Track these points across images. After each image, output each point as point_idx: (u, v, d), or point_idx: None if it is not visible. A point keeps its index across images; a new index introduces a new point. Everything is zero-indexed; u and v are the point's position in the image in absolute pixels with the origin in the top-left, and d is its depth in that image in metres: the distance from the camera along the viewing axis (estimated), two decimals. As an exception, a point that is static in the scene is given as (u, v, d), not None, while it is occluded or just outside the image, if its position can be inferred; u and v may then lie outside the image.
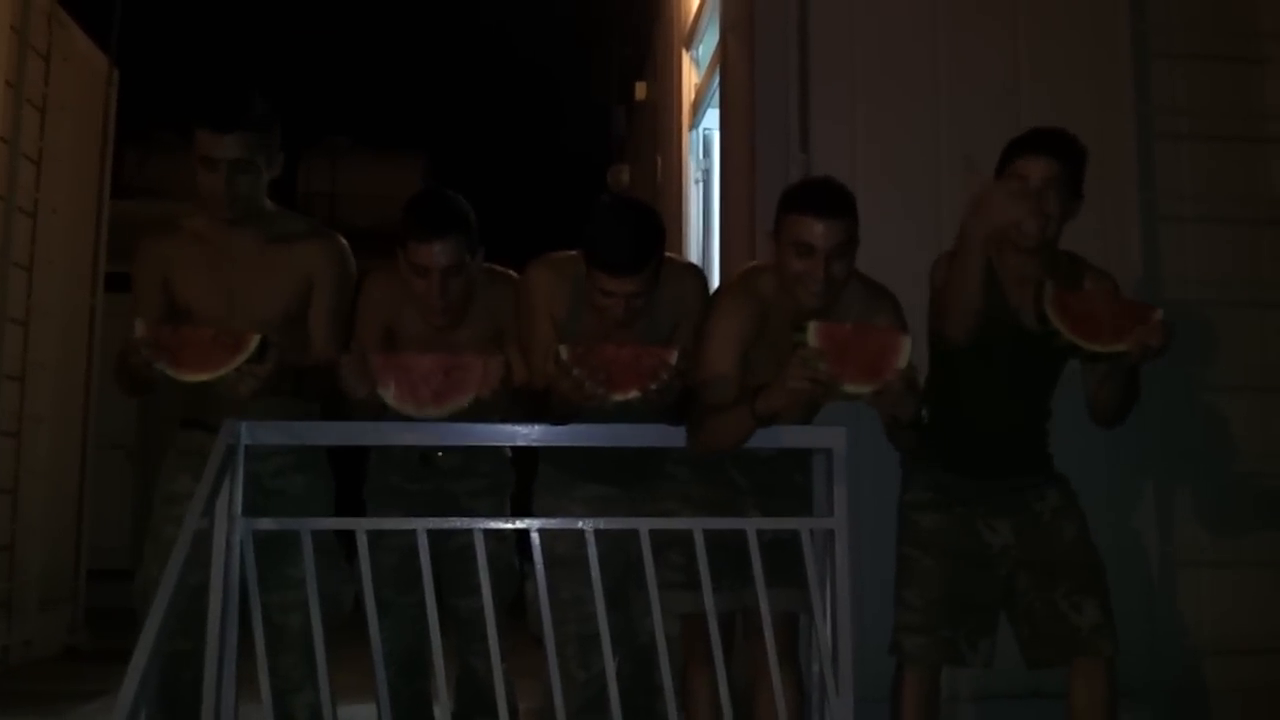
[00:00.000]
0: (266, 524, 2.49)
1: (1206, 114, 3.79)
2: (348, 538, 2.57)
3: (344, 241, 2.78)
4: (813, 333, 2.32)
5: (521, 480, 2.98)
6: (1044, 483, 2.73)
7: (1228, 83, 3.83)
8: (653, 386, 2.41)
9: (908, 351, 2.33)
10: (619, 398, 2.42)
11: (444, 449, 2.82)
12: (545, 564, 2.56)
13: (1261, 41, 3.83)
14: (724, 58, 4.36)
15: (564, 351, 2.40)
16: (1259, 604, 3.57)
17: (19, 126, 5.25)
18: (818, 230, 2.45)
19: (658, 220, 2.61)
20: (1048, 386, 2.71)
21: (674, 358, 2.42)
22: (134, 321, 2.42)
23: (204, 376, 2.38)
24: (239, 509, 2.44)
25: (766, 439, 2.50)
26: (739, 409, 2.45)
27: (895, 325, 2.57)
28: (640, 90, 7.10)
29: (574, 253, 2.63)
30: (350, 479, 2.94)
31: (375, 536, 2.54)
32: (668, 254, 2.64)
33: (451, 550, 2.73)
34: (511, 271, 2.83)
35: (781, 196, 2.59)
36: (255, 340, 2.39)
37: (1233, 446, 3.63)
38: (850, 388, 2.33)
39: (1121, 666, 2.63)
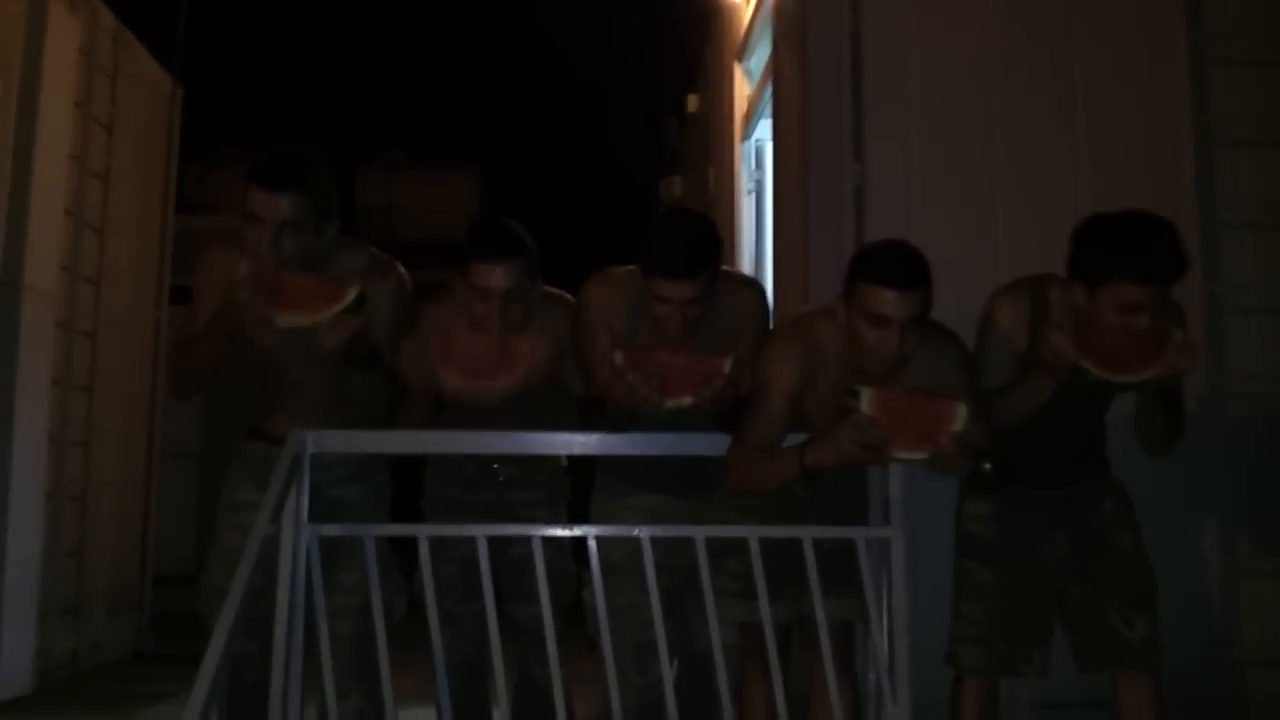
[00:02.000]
0: (332, 530, 2.55)
1: (1265, 119, 3.74)
2: (401, 548, 2.63)
3: (402, 271, 2.78)
4: (867, 401, 2.35)
5: (578, 489, 3.02)
6: (1101, 492, 2.72)
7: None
8: (705, 393, 2.44)
9: (963, 418, 2.34)
10: (672, 403, 2.45)
11: (501, 460, 2.85)
12: (602, 571, 2.60)
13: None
14: (777, 69, 4.38)
15: (619, 356, 2.44)
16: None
17: (87, 145, 5.40)
18: (894, 303, 2.39)
19: (714, 228, 2.63)
20: (1100, 411, 2.69)
21: (728, 365, 2.44)
22: (219, 279, 2.50)
23: (303, 320, 2.45)
24: (305, 515, 2.50)
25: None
26: (787, 457, 2.46)
27: (960, 373, 2.54)
28: (692, 102, 7.13)
29: (631, 267, 2.66)
30: (409, 491, 2.99)
31: (436, 547, 2.59)
32: (727, 268, 2.66)
33: (510, 559, 2.77)
34: (567, 294, 2.86)
35: (854, 261, 2.53)
36: (354, 292, 2.46)
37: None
38: (903, 454, 2.36)
39: (1173, 677, 2.62)
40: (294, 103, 10.12)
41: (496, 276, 2.62)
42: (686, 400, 2.46)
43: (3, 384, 4.68)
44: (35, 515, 4.89)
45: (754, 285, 2.88)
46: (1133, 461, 2.68)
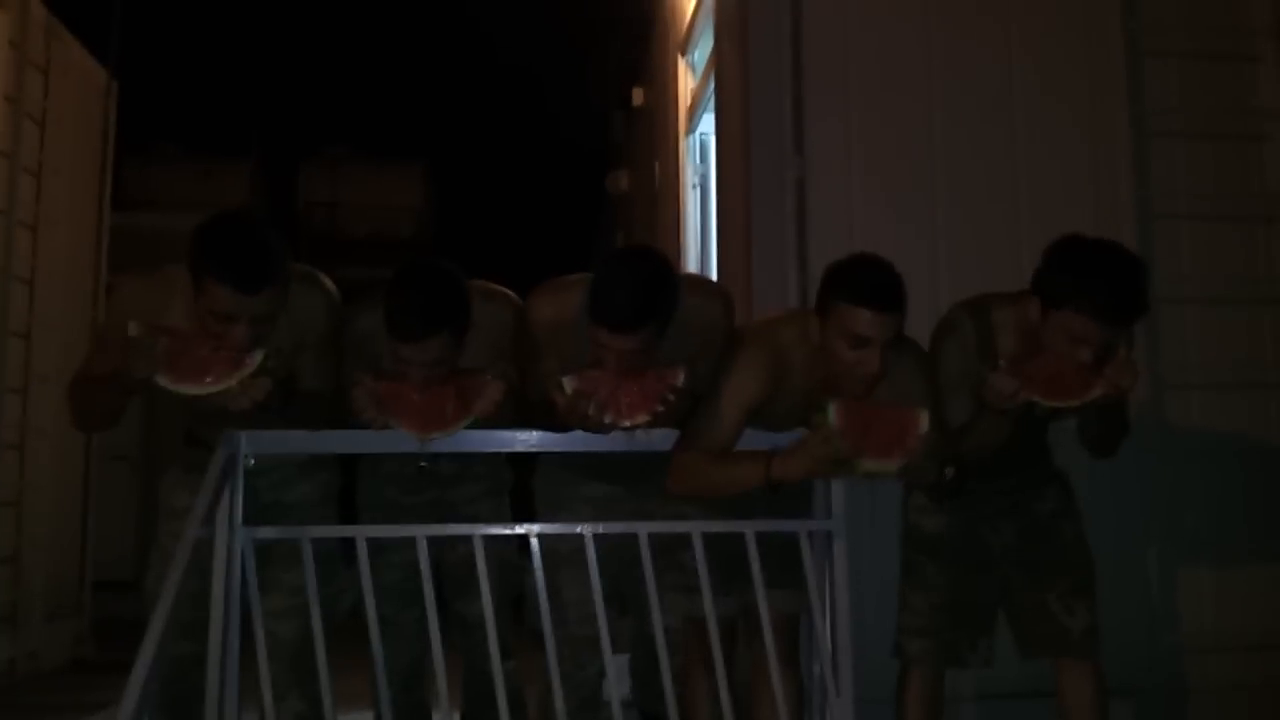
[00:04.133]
0: (267, 533, 2.51)
1: (1200, 111, 3.80)
2: (351, 545, 2.58)
3: (329, 287, 2.65)
4: (833, 413, 2.34)
5: (522, 474, 2.97)
6: (1043, 481, 2.75)
7: (1221, 80, 3.84)
8: (660, 409, 2.42)
9: (925, 424, 2.35)
10: (628, 425, 2.43)
11: (433, 458, 2.78)
12: (548, 563, 2.58)
13: (1254, 39, 3.84)
14: (719, 62, 4.37)
15: (568, 384, 2.41)
16: (1249, 601, 3.58)
17: (19, 140, 5.27)
18: (877, 325, 2.37)
19: (667, 278, 2.46)
20: (1046, 421, 2.68)
21: (679, 378, 2.42)
22: (127, 324, 2.33)
23: (204, 389, 2.34)
24: (239, 518, 2.46)
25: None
26: (753, 466, 2.43)
27: (921, 379, 2.54)
28: (637, 96, 7.11)
29: (580, 278, 2.58)
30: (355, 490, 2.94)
31: (377, 553, 2.55)
32: (694, 275, 2.61)
33: (455, 557, 2.74)
34: (509, 293, 2.77)
35: (832, 279, 2.46)
36: (260, 355, 2.36)
37: (1228, 443, 3.64)
38: (870, 465, 2.35)
39: (1114, 665, 2.65)
40: (235, 97, 9.97)
41: (419, 354, 2.48)
42: (643, 419, 2.44)
43: (-67, 387, 4.57)
44: (-32, 521, 4.78)
45: (720, 295, 2.74)
46: (1074, 451, 2.71)
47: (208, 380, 2.33)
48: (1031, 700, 2.90)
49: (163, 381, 2.33)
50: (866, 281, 2.41)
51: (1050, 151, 3.64)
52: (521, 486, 2.94)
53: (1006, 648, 2.73)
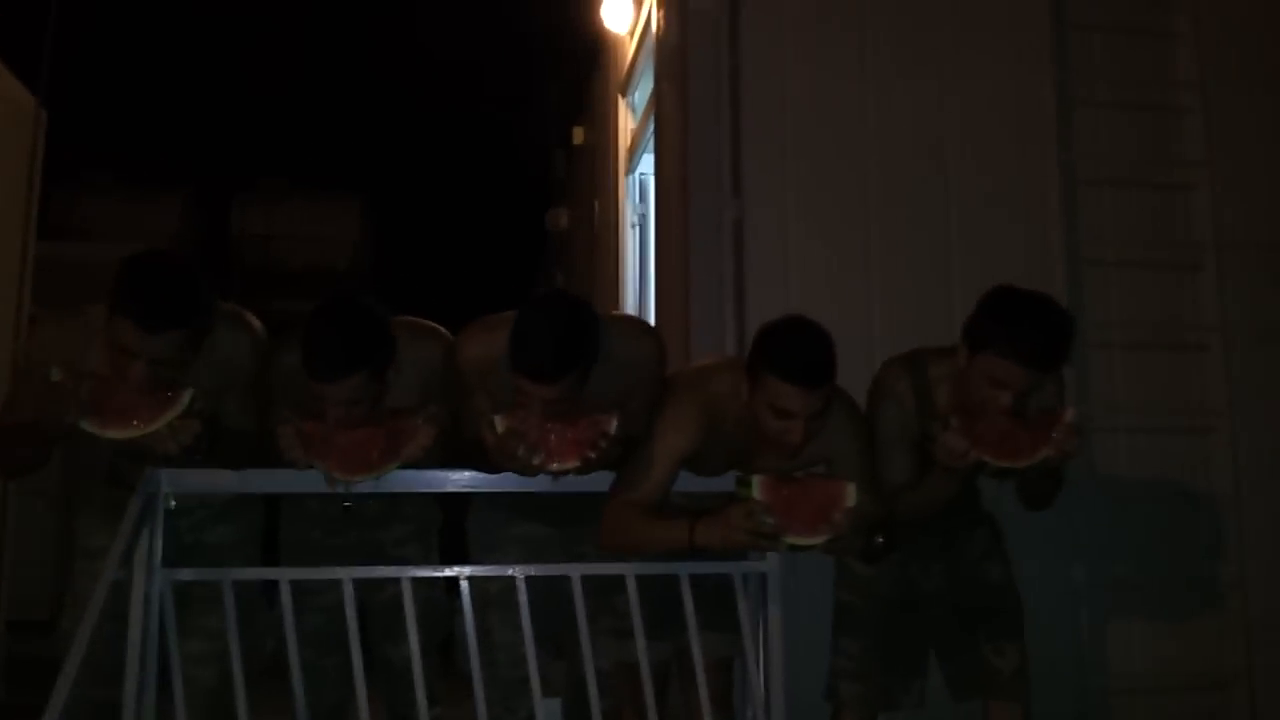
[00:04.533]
0: (187, 574, 2.45)
1: (1127, 161, 3.89)
2: (274, 587, 2.52)
3: (256, 327, 2.59)
4: (757, 487, 2.35)
5: (452, 514, 2.92)
6: (973, 524, 2.77)
7: (1147, 130, 3.93)
8: (591, 455, 2.39)
9: (852, 497, 2.36)
10: (557, 467, 2.40)
11: (358, 498, 2.71)
12: (478, 604, 2.54)
13: (1179, 90, 3.94)
14: (659, 103, 4.40)
15: (500, 423, 2.38)
16: (1176, 643, 3.63)
17: (-58, 167, 5.15)
18: (801, 400, 2.37)
19: (590, 326, 2.42)
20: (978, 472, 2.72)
21: (613, 426, 2.39)
22: (46, 370, 2.26)
23: (131, 433, 2.28)
24: (159, 559, 2.39)
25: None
26: (677, 529, 2.41)
27: (853, 441, 2.55)
28: (578, 134, 7.13)
29: (508, 317, 2.51)
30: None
31: (301, 596, 2.49)
32: (623, 315, 2.60)
33: (382, 600, 2.68)
34: (438, 328, 2.72)
35: (761, 346, 2.45)
36: (188, 395, 2.30)
37: (1155, 486, 3.70)
38: (796, 540, 2.35)
39: (1041, 707, 2.69)
40: (168, 126, 9.83)
41: (336, 393, 2.42)
42: (573, 464, 2.41)
43: None
44: (-125, 559, 4.60)
45: (650, 335, 2.72)
46: (1003, 495, 2.73)
47: (135, 424, 2.28)
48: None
49: (88, 426, 2.27)
50: (795, 356, 2.40)
51: (982, 198, 3.71)
52: (453, 526, 2.89)
53: (939, 690, 2.74)
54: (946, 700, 2.74)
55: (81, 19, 6.56)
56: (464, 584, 2.55)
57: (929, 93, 3.77)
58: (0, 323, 5.84)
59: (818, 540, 2.36)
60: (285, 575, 2.51)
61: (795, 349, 2.41)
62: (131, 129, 9.68)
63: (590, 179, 6.70)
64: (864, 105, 3.73)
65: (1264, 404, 3.76)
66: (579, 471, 2.42)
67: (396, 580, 2.53)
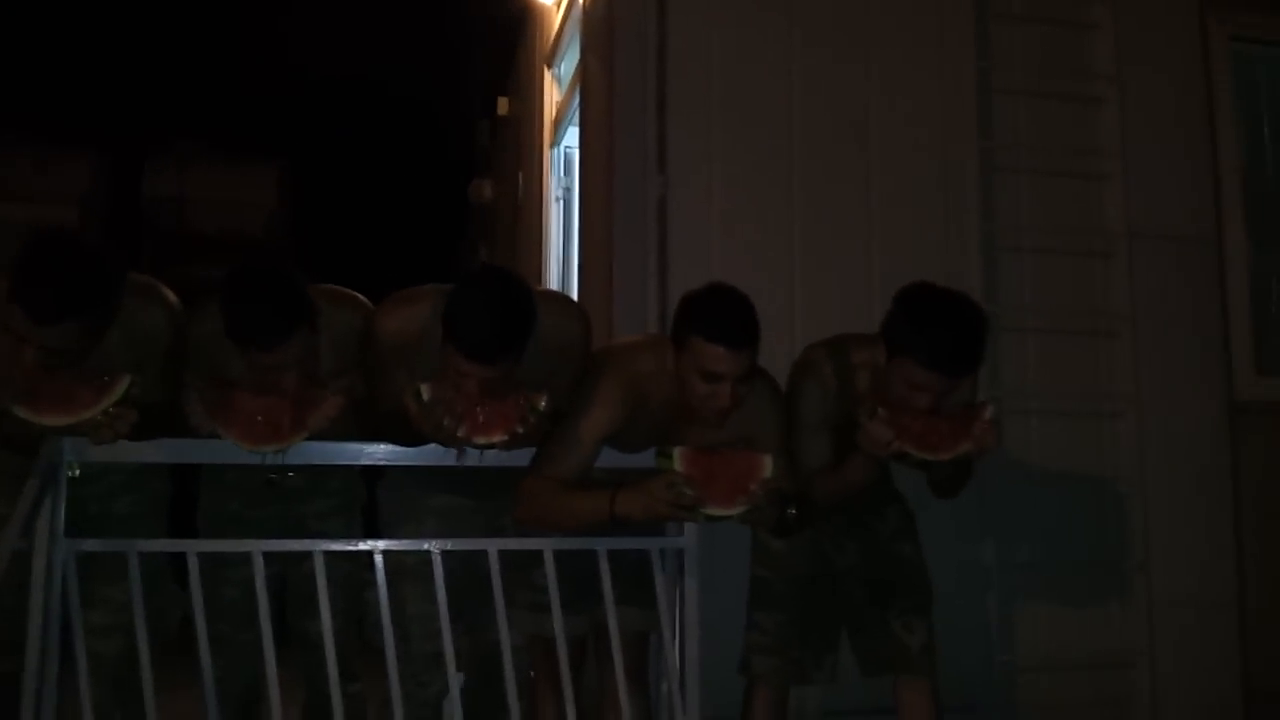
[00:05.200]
0: (91, 545, 2.39)
1: (1044, 149, 3.96)
2: (180, 559, 2.47)
3: (170, 300, 2.53)
4: (678, 459, 2.38)
5: (370, 485, 2.87)
6: (884, 502, 2.81)
7: (1064, 119, 4.01)
8: (519, 430, 2.38)
9: (769, 469, 2.40)
10: (482, 441, 2.38)
11: (287, 469, 2.68)
12: (392, 576, 2.52)
13: (1096, 82, 4.02)
14: (585, 77, 4.37)
15: (425, 391, 2.35)
16: (1080, 622, 3.73)
17: None
18: (729, 361, 2.39)
19: (528, 305, 2.41)
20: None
21: (542, 402, 2.39)
22: None
23: (68, 420, 2.22)
24: (60, 529, 2.32)
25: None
26: (597, 499, 2.41)
27: (772, 415, 2.58)
28: (503, 105, 7.05)
29: (429, 289, 2.51)
30: (191, 502, 2.80)
31: (216, 568, 2.44)
32: (549, 291, 2.57)
33: (299, 575, 2.64)
34: (358, 296, 2.68)
35: (685, 312, 2.47)
36: (126, 381, 2.25)
37: (1063, 468, 3.79)
38: (714, 510, 2.38)
39: (950, 682, 2.74)
40: (77, 86, 9.52)
41: (280, 358, 2.40)
42: (499, 439, 2.39)
43: None
44: None
45: (577, 313, 2.70)
46: (914, 473, 2.77)
47: (71, 410, 2.22)
48: (874, 717, 2.96)
49: (22, 413, 2.20)
50: (720, 318, 2.42)
51: (902, 181, 3.74)
52: (372, 503, 2.85)
53: (850, 663, 2.78)
54: (858, 675, 2.78)
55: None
56: (378, 558, 2.52)
57: (853, 75, 3.79)
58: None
59: (735, 511, 2.39)
60: (193, 548, 2.46)
61: (721, 311, 2.44)
62: (41, 87, 9.36)
63: (515, 151, 6.64)
64: (789, 84, 3.74)
65: (1170, 390, 3.87)
66: (504, 446, 2.40)
67: (313, 554, 2.50)
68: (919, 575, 2.78)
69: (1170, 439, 3.83)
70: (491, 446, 2.40)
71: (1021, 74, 3.98)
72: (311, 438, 2.43)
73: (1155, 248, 3.95)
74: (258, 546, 2.45)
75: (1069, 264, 3.91)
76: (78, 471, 2.39)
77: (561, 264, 5.38)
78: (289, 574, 2.67)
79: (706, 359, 2.39)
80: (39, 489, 2.24)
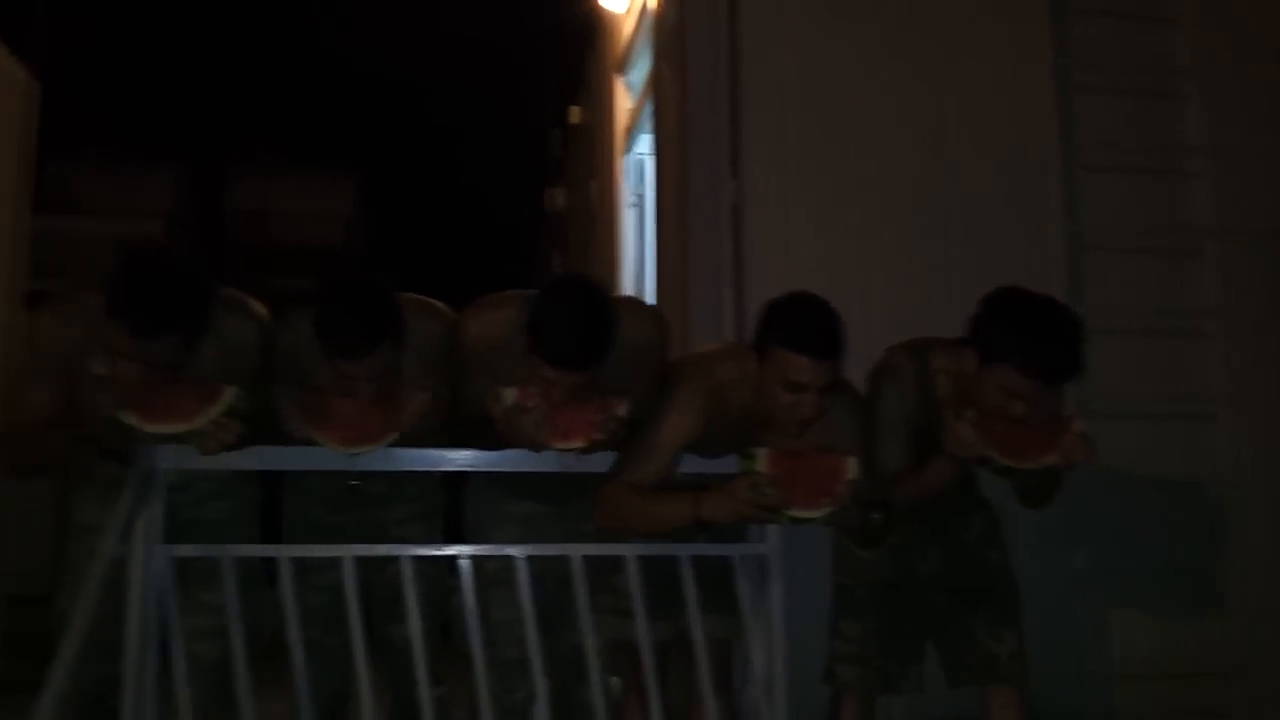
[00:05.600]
0: (187, 550, 2.43)
1: (1127, 146, 3.88)
2: (274, 563, 2.52)
3: (259, 312, 2.58)
4: (762, 460, 2.35)
5: (453, 491, 2.90)
6: (970, 508, 2.77)
7: (1148, 115, 3.93)
8: (598, 437, 2.39)
9: (854, 471, 2.36)
10: (562, 446, 2.39)
11: (370, 475, 2.72)
12: (476, 582, 2.53)
13: (1177, 77, 3.93)
14: (657, 83, 4.38)
15: (509, 395, 2.37)
16: (1176, 630, 3.65)
17: (-65, 141, 5.11)
18: (813, 372, 2.36)
19: (610, 312, 2.43)
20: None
21: (623, 409, 2.39)
22: (89, 361, 2.24)
23: (174, 429, 2.27)
24: (158, 535, 2.38)
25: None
26: (679, 503, 2.40)
27: (854, 422, 2.54)
28: (575, 114, 7.10)
29: (512, 295, 2.55)
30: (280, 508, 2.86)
31: (303, 574, 2.48)
32: (625, 296, 2.58)
33: (385, 579, 2.68)
34: (439, 305, 2.71)
35: (770, 321, 2.45)
36: (231, 393, 2.29)
37: (1156, 472, 3.71)
38: (798, 512, 2.35)
39: (1041, 692, 2.69)
40: (162, 102, 9.78)
41: (366, 369, 2.43)
42: (579, 445, 2.40)
43: None
44: None
45: (653, 318, 2.72)
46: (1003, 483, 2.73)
47: (178, 418, 2.26)
48: (961, 726, 2.92)
49: (129, 420, 2.25)
50: (805, 327, 2.40)
51: (982, 182, 3.70)
52: (455, 508, 2.89)
53: (936, 671, 2.74)
54: (945, 684, 2.74)
55: (76, -7, 6.52)
56: (463, 563, 2.54)
57: (929, 75, 3.76)
58: (-5, 297, 5.82)
59: (819, 513, 2.36)
60: (285, 552, 2.50)
61: (805, 320, 2.41)
62: (126, 103, 9.62)
63: (587, 159, 6.68)
64: (864, 86, 3.71)
65: (1264, 391, 3.76)
66: (583, 451, 2.41)
67: (398, 560, 2.53)
68: (1006, 582, 2.73)
69: (1264, 440, 3.73)
70: (571, 451, 2.41)
71: (1102, 70, 3.91)
72: (397, 442, 2.46)
73: (1245, 244, 3.85)
74: (349, 551, 2.48)
75: (1156, 263, 3.84)
76: (172, 477, 2.45)
77: (636, 271, 5.39)
78: (372, 579, 2.70)
79: (790, 369, 2.37)
80: (136, 496, 2.30)
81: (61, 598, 2.51)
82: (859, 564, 2.71)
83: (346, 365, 2.41)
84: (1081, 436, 2.43)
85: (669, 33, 4.12)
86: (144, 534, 2.34)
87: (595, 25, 6.25)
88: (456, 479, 2.79)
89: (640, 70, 5.15)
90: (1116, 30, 3.95)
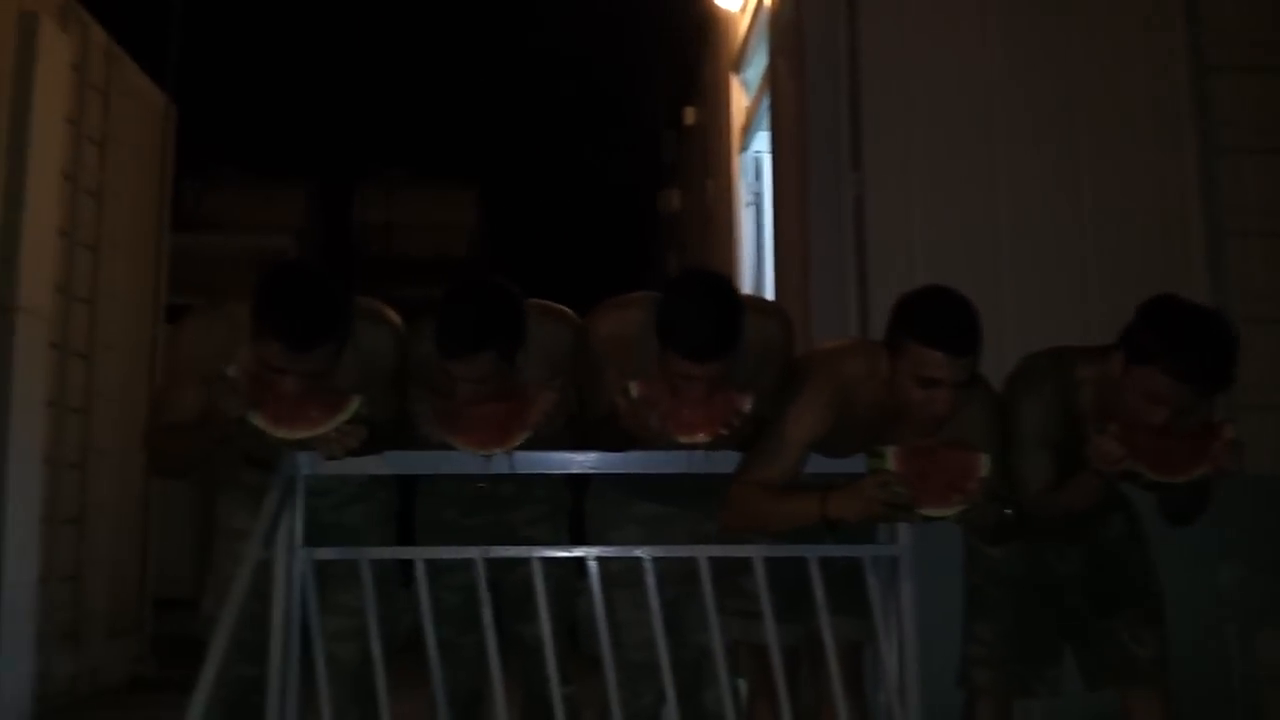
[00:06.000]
0: (327, 553, 2.50)
1: (1268, 126, 3.71)
2: (409, 566, 2.58)
3: (395, 321, 2.64)
4: (891, 458, 2.31)
5: (578, 497, 2.93)
6: (1110, 507, 2.67)
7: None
8: (723, 431, 2.38)
9: (986, 468, 2.30)
10: (686, 440, 2.39)
11: (501, 477, 2.76)
12: (601, 583, 2.55)
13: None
14: (774, 79, 4.35)
15: (634, 388, 2.37)
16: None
17: (79, 163, 5.37)
18: (948, 367, 2.30)
19: (739, 302, 2.43)
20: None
21: (747, 404, 2.37)
22: (195, 365, 2.33)
23: (300, 434, 2.33)
24: (299, 539, 2.45)
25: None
26: (806, 502, 2.38)
27: (988, 420, 2.47)
28: (689, 114, 7.11)
29: (640, 296, 2.56)
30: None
31: (436, 575, 2.53)
32: (753, 295, 2.57)
33: (514, 579, 2.72)
34: (565, 310, 2.75)
35: (903, 315, 2.38)
36: (356, 402, 2.34)
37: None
38: (929, 511, 2.31)
39: (1186, 695, 2.59)
40: (291, 119, 10.13)
41: (467, 371, 2.45)
42: (703, 439, 2.39)
43: (-4, 407, 4.64)
44: (31, 539, 4.84)
45: (777, 315, 2.69)
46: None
47: (305, 425, 2.32)
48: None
49: (258, 423, 2.31)
50: (940, 321, 2.33)
51: (1116, 170, 3.57)
52: (577, 510, 2.91)
53: (1074, 675, 2.66)
54: (1083, 688, 2.66)
55: (205, 18, 6.78)
56: (591, 564, 2.56)
57: (1058, 59, 3.65)
58: (138, 312, 6.10)
59: (951, 511, 2.30)
60: (420, 554, 2.56)
61: (940, 314, 2.35)
62: (256, 123, 9.99)
63: (703, 159, 6.67)
64: (990, 73, 3.63)
65: None
66: (707, 446, 2.40)
67: (527, 560, 2.56)
68: (1148, 582, 2.63)
69: None
70: (695, 446, 2.40)
71: (1237, 47, 3.74)
72: (524, 445, 2.49)
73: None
74: (481, 553, 2.52)
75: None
76: (312, 483, 2.52)
77: (754, 270, 5.37)
78: (502, 580, 2.74)
79: (924, 365, 2.31)
80: (279, 501, 2.38)
81: (208, 601, 2.60)
82: (993, 564, 2.64)
83: (452, 366, 2.44)
84: (1232, 443, 2.30)
85: (785, 29, 4.09)
86: (286, 538, 2.42)
87: (709, 26, 6.26)
88: (579, 481, 2.81)
89: (756, 68, 5.13)
90: (1252, 6, 3.78)
